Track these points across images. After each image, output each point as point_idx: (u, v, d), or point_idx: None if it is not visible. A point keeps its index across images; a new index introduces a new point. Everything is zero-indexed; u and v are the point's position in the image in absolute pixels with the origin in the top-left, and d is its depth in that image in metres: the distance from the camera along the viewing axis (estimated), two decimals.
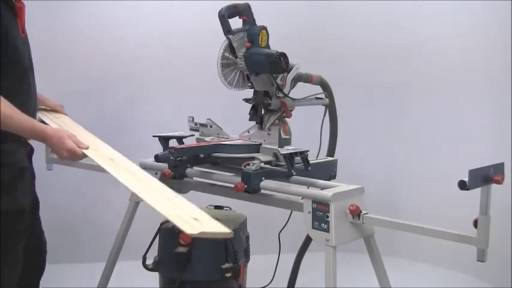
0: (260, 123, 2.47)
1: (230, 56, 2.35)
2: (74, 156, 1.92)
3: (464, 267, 3.54)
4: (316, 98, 2.60)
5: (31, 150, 2.07)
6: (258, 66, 2.33)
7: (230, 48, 2.35)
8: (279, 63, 2.24)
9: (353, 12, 3.99)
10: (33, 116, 2.00)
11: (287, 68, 2.30)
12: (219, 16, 2.31)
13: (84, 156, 1.93)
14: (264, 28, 2.36)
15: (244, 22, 2.39)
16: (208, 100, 3.62)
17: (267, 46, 2.38)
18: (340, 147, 2.67)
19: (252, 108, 2.49)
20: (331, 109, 2.68)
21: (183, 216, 1.61)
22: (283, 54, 2.27)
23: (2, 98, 1.78)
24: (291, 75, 2.42)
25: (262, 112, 2.47)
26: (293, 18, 3.98)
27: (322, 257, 2.02)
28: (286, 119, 2.47)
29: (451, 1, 3.65)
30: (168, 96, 3.79)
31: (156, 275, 2.53)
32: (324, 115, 2.62)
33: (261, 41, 2.35)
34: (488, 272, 3.26)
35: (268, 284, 2.91)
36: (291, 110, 2.46)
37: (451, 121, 3.71)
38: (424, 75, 3.83)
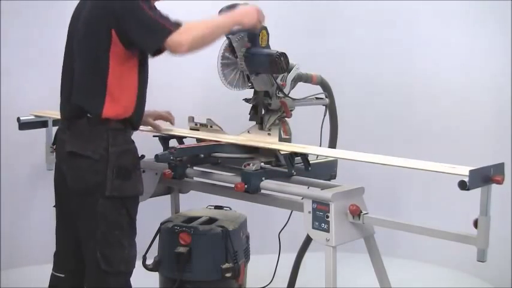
0: (260, 123, 2.47)
1: (230, 56, 2.35)
2: (259, 15, 2.19)
3: (464, 267, 3.54)
4: (317, 98, 2.59)
5: None
6: (258, 66, 2.32)
7: (230, 48, 2.34)
8: (279, 63, 2.24)
9: (354, 12, 3.99)
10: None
11: (287, 68, 2.30)
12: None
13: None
14: (264, 28, 2.35)
15: None
16: (208, 100, 3.62)
17: (267, 46, 2.37)
18: (340, 147, 2.67)
19: (252, 108, 2.49)
20: (331, 109, 2.68)
21: None
22: (284, 54, 2.26)
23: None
24: (291, 75, 2.43)
25: (263, 112, 2.47)
26: (293, 18, 3.97)
27: (322, 257, 2.02)
28: (286, 119, 2.47)
29: (452, 1, 3.64)
30: (167, 95, 3.78)
31: (156, 275, 2.53)
32: (324, 115, 2.62)
33: (261, 41, 2.34)
34: (488, 272, 3.26)
35: (268, 284, 2.91)
36: (291, 110, 2.45)
37: (451, 121, 3.71)
38: (425, 75, 3.82)
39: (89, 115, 2.01)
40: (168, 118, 2.59)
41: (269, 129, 2.43)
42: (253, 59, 2.31)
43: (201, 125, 2.63)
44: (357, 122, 3.83)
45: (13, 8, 3.40)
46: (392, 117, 3.94)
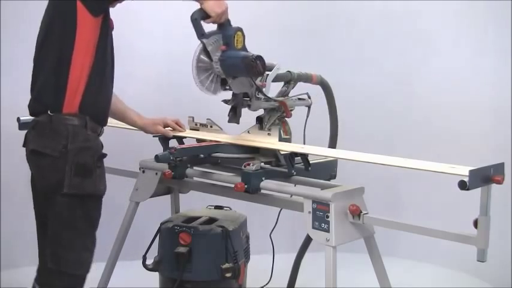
0: (260, 123, 2.47)
1: (206, 59, 2.27)
2: (226, 11, 2.17)
3: (464, 267, 3.54)
4: (299, 98, 2.52)
5: (102, 145, 2.16)
6: (234, 69, 2.24)
7: (205, 52, 2.26)
8: (255, 66, 2.16)
9: (354, 12, 3.99)
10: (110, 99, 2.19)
11: (264, 71, 2.23)
12: (192, 20, 2.18)
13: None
14: (240, 29, 2.25)
15: (219, 24, 2.27)
16: (208, 100, 3.61)
17: (243, 48, 2.27)
18: (340, 147, 2.67)
19: (231, 110, 2.41)
20: (331, 109, 2.67)
21: None
22: (259, 57, 2.18)
23: None
24: (271, 76, 2.39)
25: (242, 113, 2.42)
26: (295, 18, 3.97)
27: (322, 257, 2.02)
28: (286, 119, 2.47)
29: (453, 2, 3.65)
30: (168, 95, 3.78)
31: (156, 275, 2.53)
32: (307, 116, 2.53)
33: (237, 43, 2.24)
34: (488, 272, 3.26)
35: (266, 284, 2.91)
36: (291, 110, 2.45)
37: (451, 121, 3.71)
38: (425, 75, 3.83)
39: (49, 112, 1.99)
40: (175, 128, 2.56)
41: (269, 129, 2.43)
42: (228, 62, 2.23)
43: (201, 125, 2.64)
44: (357, 122, 3.83)
45: (13, 7, 3.40)
46: (393, 117, 3.94)
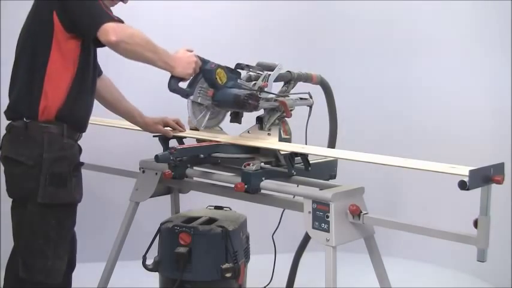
0: (260, 123, 2.47)
1: (201, 103, 2.35)
2: (196, 66, 2.16)
3: (464, 267, 3.54)
4: (301, 98, 2.53)
5: (80, 149, 2.15)
6: (231, 107, 2.33)
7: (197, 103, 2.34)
8: (249, 104, 2.21)
9: (355, 12, 3.99)
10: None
11: (258, 104, 2.27)
12: (171, 90, 2.21)
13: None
14: (218, 66, 2.25)
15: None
16: None
17: (230, 78, 2.28)
18: (339, 147, 2.67)
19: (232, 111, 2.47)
20: (331, 109, 2.67)
21: None
22: (250, 95, 2.22)
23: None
24: (273, 76, 2.40)
25: (243, 115, 2.45)
26: (295, 18, 3.97)
27: (322, 257, 2.02)
28: (286, 119, 2.47)
29: (452, 3, 3.65)
30: (167, 95, 3.78)
31: (156, 275, 2.53)
32: (309, 116, 2.53)
33: (221, 80, 2.26)
34: (488, 272, 3.26)
35: (267, 285, 2.91)
36: (291, 110, 2.45)
37: (451, 121, 3.72)
38: (425, 75, 3.83)
39: (25, 119, 1.96)
40: (175, 127, 2.56)
41: (269, 129, 2.43)
42: (223, 104, 2.31)
43: None
44: (356, 122, 3.83)
45: (14, 8, 3.40)
46: (392, 117, 3.94)
